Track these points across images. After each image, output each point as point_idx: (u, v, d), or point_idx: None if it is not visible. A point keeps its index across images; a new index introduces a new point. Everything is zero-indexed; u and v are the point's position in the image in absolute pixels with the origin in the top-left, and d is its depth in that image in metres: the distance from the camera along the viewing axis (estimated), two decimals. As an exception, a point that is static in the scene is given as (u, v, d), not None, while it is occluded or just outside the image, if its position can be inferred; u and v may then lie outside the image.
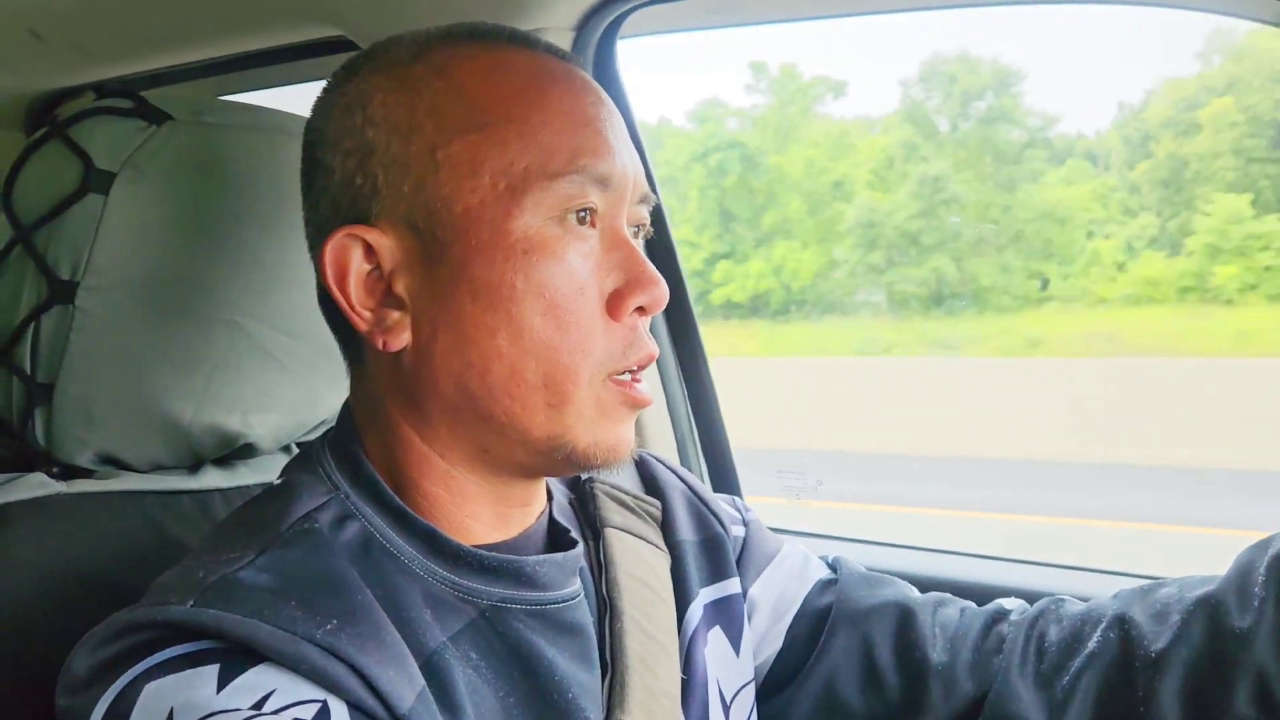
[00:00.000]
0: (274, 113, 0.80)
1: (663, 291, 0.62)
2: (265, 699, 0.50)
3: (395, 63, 0.62)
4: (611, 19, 1.00)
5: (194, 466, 0.80)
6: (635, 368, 0.62)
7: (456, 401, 0.60)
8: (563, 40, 1.00)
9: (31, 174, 0.72)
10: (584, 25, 1.00)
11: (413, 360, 0.61)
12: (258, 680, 0.50)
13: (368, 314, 0.61)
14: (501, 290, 0.58)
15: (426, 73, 0.61)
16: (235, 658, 0.51)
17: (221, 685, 0.50)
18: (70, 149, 0.70)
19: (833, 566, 0.86)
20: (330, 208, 0.62)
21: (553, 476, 0.67)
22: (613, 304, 0.61)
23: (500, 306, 0.58)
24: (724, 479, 1.19)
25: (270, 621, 0.51)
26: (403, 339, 0.60)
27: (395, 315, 0.60)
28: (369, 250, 0.60)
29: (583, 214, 0.60)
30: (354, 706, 0.52)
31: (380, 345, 0.60)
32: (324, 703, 0.51)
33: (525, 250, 0.58)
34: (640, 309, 0.62)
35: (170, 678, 0.50)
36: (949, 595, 0.84)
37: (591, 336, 0.60)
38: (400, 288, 0.60)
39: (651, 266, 0.62)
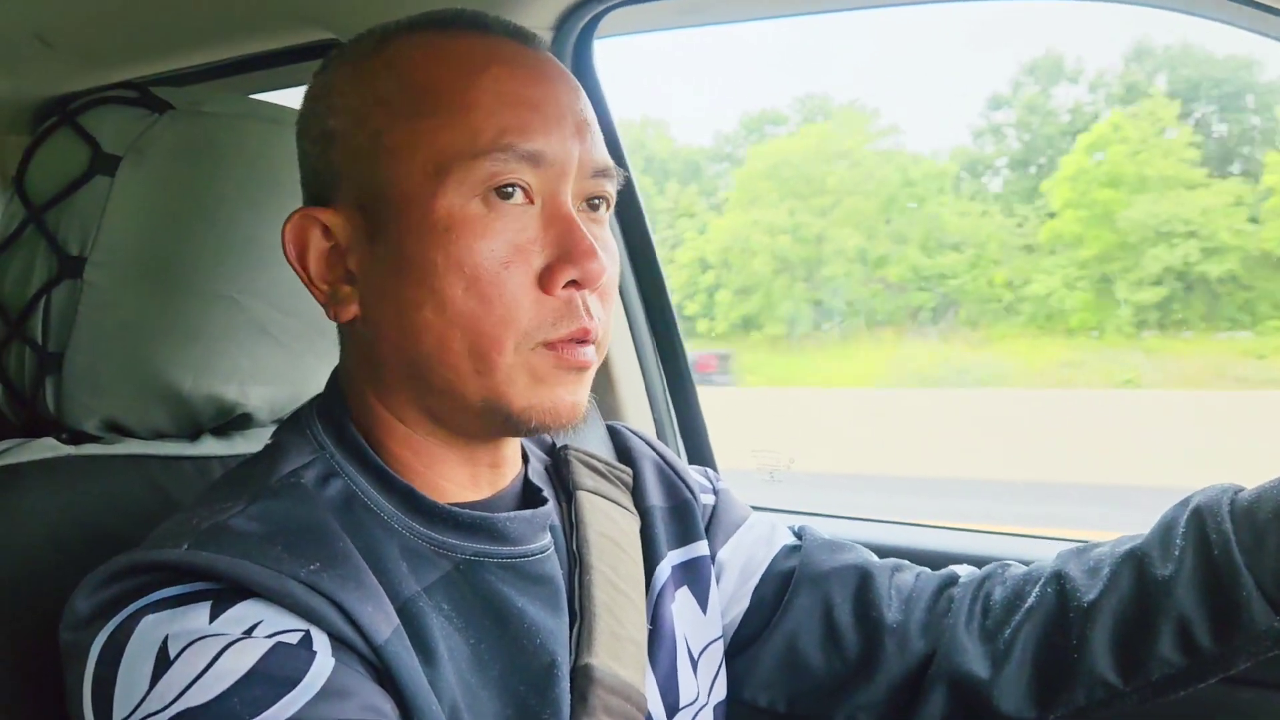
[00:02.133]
0: (268, 104, 0.85)
1: (596, 265, 0.62)
2: (254, 627, 0.54)
3: (357, 55, 0.66)
4: (588, 19, 1.05)
5: (194, 435, 0.84)
6: (568, 339, 0.63)
7: (401, 369, 0.65)
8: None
9: (42, 159, 0.77)
10: (561, 25, 1.05)
11: (366, 332, 0.66)
12: (246, 612, 0.55)
13: (325, 287, 0.66)
14: (425, 266, 0.61)
15: (380, 64, 0.64)
16: (226, 594, 0.55)
17: (214, 617, 0.54)
18: (79, 135, 0.75)
19: (798, 534, 0.91)
20: (306, 189, 0.68)
21: (505, 437, 0.70)
22: (544, 277, 0.63)
23: (425, 281, 0.61)
24: (699, 454, 1.24)
25: (258, 561, 0.56)
26: (351, 310, 0.65)
27: (346, 289, 0.65)
28: (328, 230, 0.65)
29: (508, 189, 0.62)
30: (334, 637, 0.56)
31: (332, 316, 0.66)
32: (306, 631, 0.55)
33: (447, 228, 0.61)
34: (574, 283, 0.63)
35: (166, 612, 0.54)
36: (906, 561, 0.89)
37: (517, 308, 0.62)
38: (352, 263, 0.65)
39: (588, 241, 0.63)
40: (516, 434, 0.68)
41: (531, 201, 0.63)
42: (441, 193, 0.61)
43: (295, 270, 0.66)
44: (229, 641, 0.53)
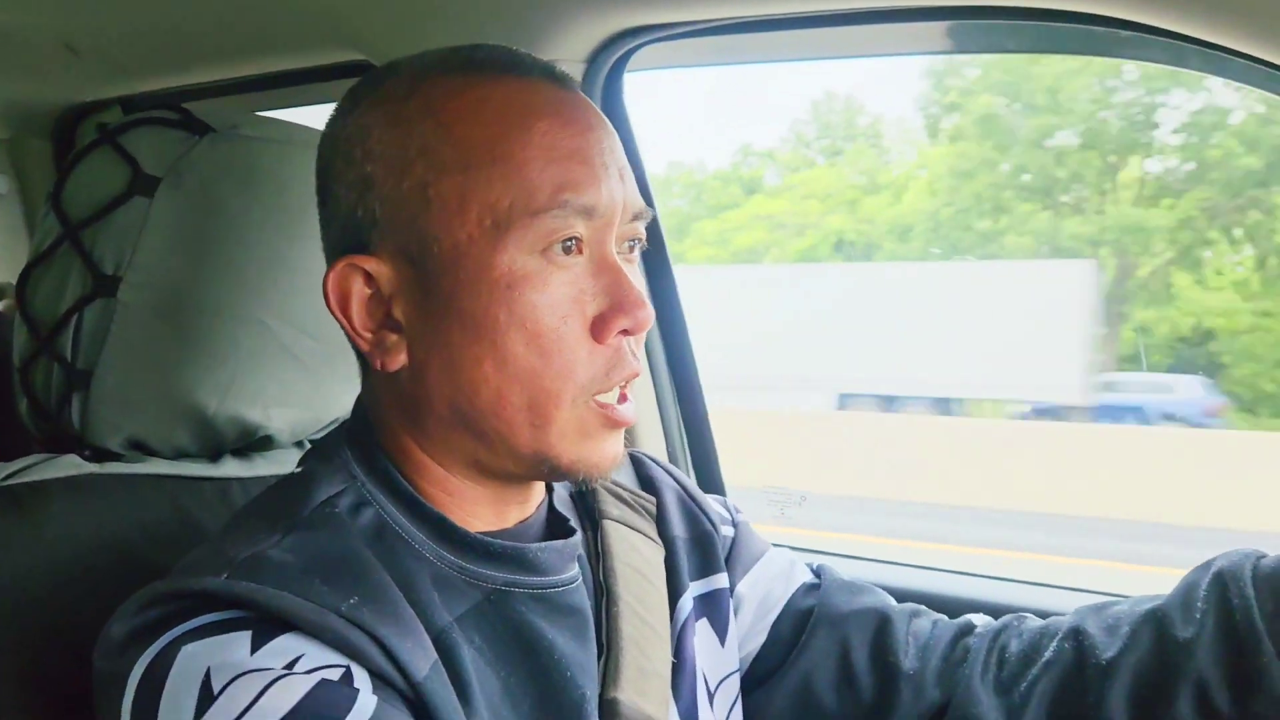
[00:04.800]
0: (304, 128, 0.85)
1: (647, 314, 0.64)
2: (295, 661, 0.54)
3: (391, 97, 0.64)
4: (621, 53, 1.06)
5: (215, 455, 0.84)
6: (620, 395, 0.65)
7: (449, 418, 0.65)
8: (574, 73, 1.06)
9: (81, 176, 0.77)
10: (595, 59, 1.06)
11: (410, 379, 0.65)
12: (287, 645, 0.54)
13: (368, 335, 0.65)
14: (486, 322, 0.61)
15: (418, 111, 0.63)
16: (266, 625, 0.55)
17: (255, 648, 0.54)
18: (119, 154, 0.76)
19: (816, 573, 0.91)
20: (338, 233, 0.66)
21: (545, 482, 0.71)
22: (597, 327, 0.63)
23: (485, 336, 0.61)
24: (710, 482, 1.25)
25: (298, 594, 0.56)
26: (399, 360, 0.64)
27: (393, 338, 0.64)
28: (370, 277, 0.64)
29: (568, 244, 0.62)
30: (374, 673, 0.56)
31: (379, 365, 0.65)
32: (347, 668, 0.55)
33: (509, 284, 0.61)
34: (625, 331, 0.64)
35: (206, 640, 0.54)
36: (923, 607, 0.89)
37: (575, 362, 0.62)
38: (398, 312, 0.64)
39: (636, 290, 0.64)
40: (559, 480, 0.69)
41: (580, 253, 0.64)
42: (502, 248, 0.61)
43: (338, 320, 0.65)
44: (273, 678, 0.52)
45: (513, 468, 0.66)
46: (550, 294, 0.62)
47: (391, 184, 0.63)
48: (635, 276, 0.67)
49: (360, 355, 0.68)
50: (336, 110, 0.68)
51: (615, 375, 0.64)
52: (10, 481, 0.73)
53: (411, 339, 0.64)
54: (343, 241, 0.65)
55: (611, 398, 0.65)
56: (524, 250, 0.61)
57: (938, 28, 1.02)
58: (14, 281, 1.42)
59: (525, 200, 0.61)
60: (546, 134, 0.62)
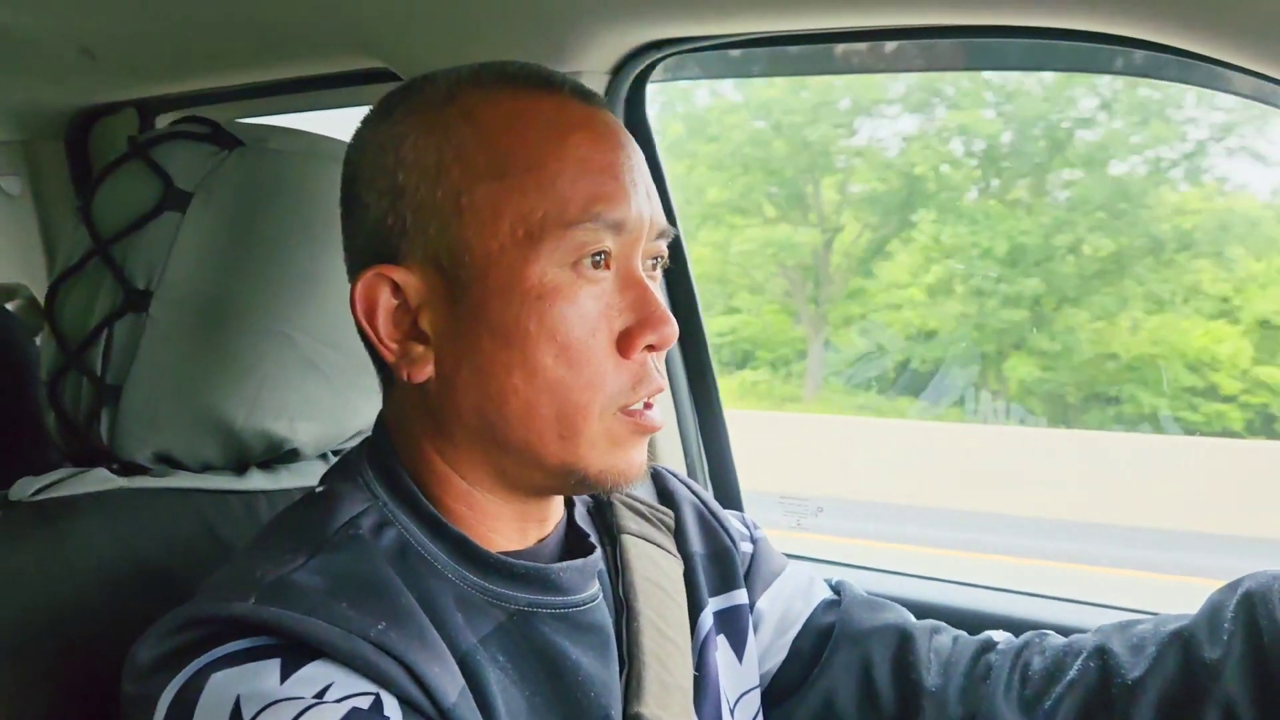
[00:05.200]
0: (330, 140, 0.85)
1: (672, 330, 0.65)
2: (325, 690, 0.54)
3: (427, 105, 0.65)
4: (645, 65, 1.07)
5: (240, 468, 0.84)
6: (645, 403, 0.66)
7: (477, 429, 0.65)
8: (597, 84, 1.07)
9: (112, 190, 0.77)
10: (619, 70, 1.06)
11: (436, 390, 0.65)
12: (317, 673, 0.54)
13: (394, 346, 0.65)
14: (517, 332, 0.62)
15: (455, 118, 0.63)
16: (295, 653, 0.55)
17: (284, 677, 0.54)
18: (151, 169, 0.75)
19: (835, 589, 0.91)
20: (365, 241, 0.66)
21: (568, 494, 0.71)
22: (623, 342, 0.64)
23: (516, 346, 0.62)
24: (728, 497, 1.25)
25: (326, 619, 0.56)
26: (426, 371, 0.64)
27: (420, 349, 0.64)
28: (397, 286, 0.64)
29: (597, 258, 0.63)
30: (404, 700, 0.56)
31: (405, 377, 0.64)
32: (377, 695, 0.55)
33: (540, 295, 0.61)
34: (650, 346, 0.65)
35: (236, 669, 0.54)
36: (944, 624, 0.89)
37: (602, 374, 0.63)
38: (425, 323, 0.64)
39: (662, 306, 0.65)
40: (585, 492, 0.69)
41: (609, 268, 0.64)
42: (534, 259, 0.61)
43: (364, 330, 0.65)
44: (304, 707, 0.52)
45: (539, 479, 0.66)
46: (579, 307, 0.62)
47: (425, 191, 0.63)
48: (658, 294, 0.68)
49: (383, 368, 0.68)
50: (367, 118, 0.68)
51: (641, 390, 0.65)
52: (40, 496, 0.74)
53: (439, 349, 0.64)
54: (369, 249, 0.65)
55: (638, 406, 0.66)
56: (555, 262, 0.62)
57: (958, 45, 1.03)
58: (26, 283, 1.42)
59: (558, 212, 0.61)
60: (580, 147, 0.63)
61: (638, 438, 0.66)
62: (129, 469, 0.79)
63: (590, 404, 0.63)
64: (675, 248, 1.15)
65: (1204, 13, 0.76)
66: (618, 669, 0.70)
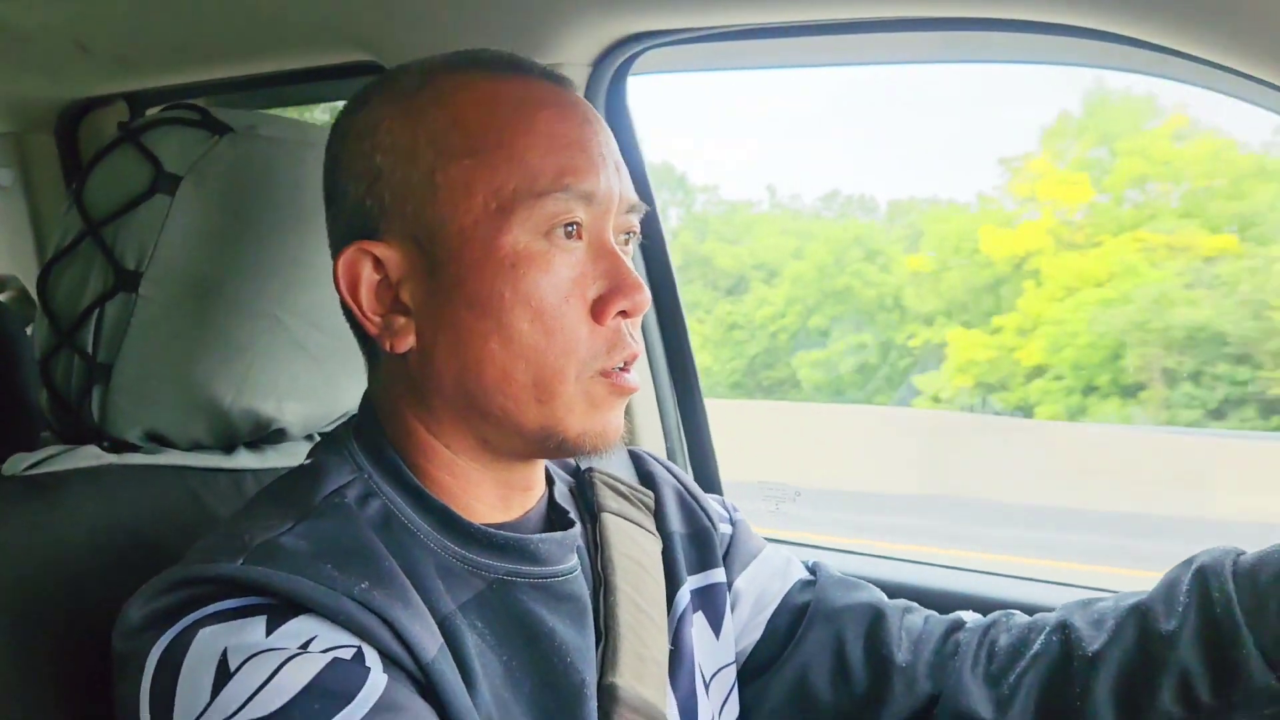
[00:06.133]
0: (317, 128, 0.87)
1: (644, 297, 0.67)
2: (309, 642, 0.56)
3: (402, 92, 0.68)
4: (625, 58, 1.09)
5: (229, 447, 0.86)
6: (621, 366, 0.68)
7: (457, 398, 0.67)
8: (578, 76, 1.09)
9: (103, 174, 0.79)
10: (599, 62, 1.08)
11: (418, 361, 0.67)
12: (302, 628, 0.57)
13: (377, 319, 0.67)
14: (492, 300, 0.64)
15: (428, 102, 0.66)
16: (280, 609, 0.57)
17: (270, 630, 0.56)
18: (142, 153, 0.77)
19: (811, 570, 0.93)
20: (346, 224, 0.69)
21: (549, 459, 0.73)
22: (597, 309, 0.66)
23: (491, 315, 0.64)
24: (707, 480, 1.27)
25: (311, 578, 0.58)
26: (408, 342, 0.67)
27: (401, 321, 0.67)
28: (378, 262, 0.67)
29: (569, 228, 0.65)
30: (384, 654, 0.58)
31: (388, 347, 0.67)
32: (359, 648, 0.57)
33: (514, 264, 0.64)
34: (623, 313, 0.67)
35: (223, 624, 0.56)
36: (915, 604, 0.91)
37: (576, 340, 0.66)
38: (406, 296, 0.67)
39: (634, 273, 0.67)
40: (565, 456, 0.71)
41: (580, 238, 0.67)
42: (506, 229, 0.64)
43: (347, 303, 0.67)
44: (287, 656, 0.55)
45: (519, 446, 0.69)
46: (553, 274, 0.65)
47: (401, 173, 0.66)
48: (631, 266, 0.70)
49: (367, 342, 0.71)
50: (345, 108, 0.71)
51: (616, 355, 0.67)
52: (33, 471, 0.75)
53: (420, 321, 0.67)
54: (351, 230, 0.68)
55: (616, 368, 0.68)
56: (527, 231, 0.64)
57: (939, 37, 1.05)
58: (17, 274, 1.44)
59: (529, 184, 0.64)
60: (549, 123, 0.66)
61: (615, 398, 0.68)
62: (119, 447, 0.81)
63: (565, 368, 0.65)
64: (652, 229, 1.17)
65: (1205, 15, 0.77)
66: (594, 640, 0.72)
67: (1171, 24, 0.79)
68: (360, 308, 0.67)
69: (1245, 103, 0.88)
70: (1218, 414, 5.64)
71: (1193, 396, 5.69)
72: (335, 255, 0.69)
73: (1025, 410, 6.23)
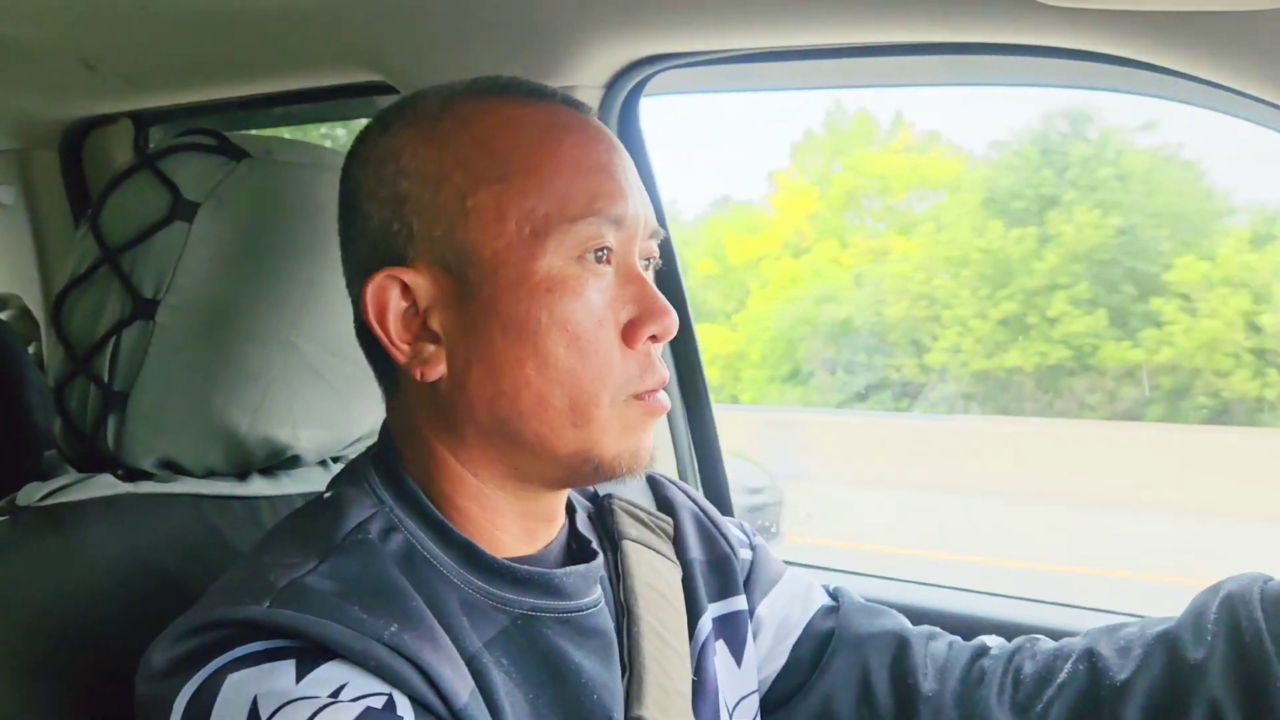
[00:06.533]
0: (333, 152, 0.87)
1: (673, 320, 0.67)
2: (340, 689, 0.55)
3: (423, 116, 0.67)
4: (639, 80, 1.09)
5: (243, 474, 0.85)
6: (652, 389, 0.68)
7: (490, 425, 0.66)
8: (591, 98, 1.09)
9: (120, 200, 0.79)
10: (613, 84, 1.08)
11: (448, 389, 0.66)
12: (331, 674, 0.56)
13: (405, 347, 0.66)
14: (528, 325, 0.64)
15: (452, 127, 0.66)
16: (309, 654, 0.56)
17: (300, 677, 0.55)
18: (159, 180, 0.77)
19: (834, 595, 0.92)
20: (369, 249, 0.68)
21: (578, 486, 0.73)
22: (628, 333, 0.67)
23: (527, 339, 0.64)
24: (718, 503, 1.26)
25: (340, 622, 0.57)
26: (438, 370, 0.66)
27: (431, 349, 0.66)
28: (405, 289, 0.66)
29: (600, 252, 0.65)
30: (416, 701, 0.57)
31: (418, 376, 0.66)
32: (390, 695, 0.56)
33: (549, 288, 0.64)
34: (653, 337, 0.67)
35: (251, 669, 0.55)
36: (939, 629, 0.90)
37: (610, 364, 0.66)
38: (435, 323, 0.66)
39: (662, 298, 0.68)
40: (598, 481, 0.70)
41: (609, 263, 0.67)
42: (540, 254, 0.64)
43: (374, 331, 0.66)
44: (320, 706, 0.54)
45: (551, 472, 0.68)
46: (586, 299, 0.65)
47: (428, 197, 0.65)
48: None
49: (385, 373, 0.70)
50: (364, 132, 0.71)
51: (647, 379, 0.67)
52: (48, 501, 0.74)
53: (451, 348, 0.66)
54: (374, 257, 0.67)
55: (648, 390, 0.68)
56: (561, 256, 0.64)
57: (942, 61, 1.05)
58: (19, 293, 1.42)
59: (561, 208, 0.64)
60: (574, 149, 0.66)
61: (648, 419, 0.68)
62: (133, 475, 0.80)
63: (600, 392, 0.65)
64: (666, 251, 1.17)
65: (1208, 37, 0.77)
66: (619, 673, 0.71)
67: (1179, 47, 0.80)
68: (389, 336, 0.66)
69: (1253, 124, 0.88)
70: (862, 397, 7.33)
71: (845, 382, 7.41)
72: (357, 281, 0.68)
73: (734, 398, 7.57)
